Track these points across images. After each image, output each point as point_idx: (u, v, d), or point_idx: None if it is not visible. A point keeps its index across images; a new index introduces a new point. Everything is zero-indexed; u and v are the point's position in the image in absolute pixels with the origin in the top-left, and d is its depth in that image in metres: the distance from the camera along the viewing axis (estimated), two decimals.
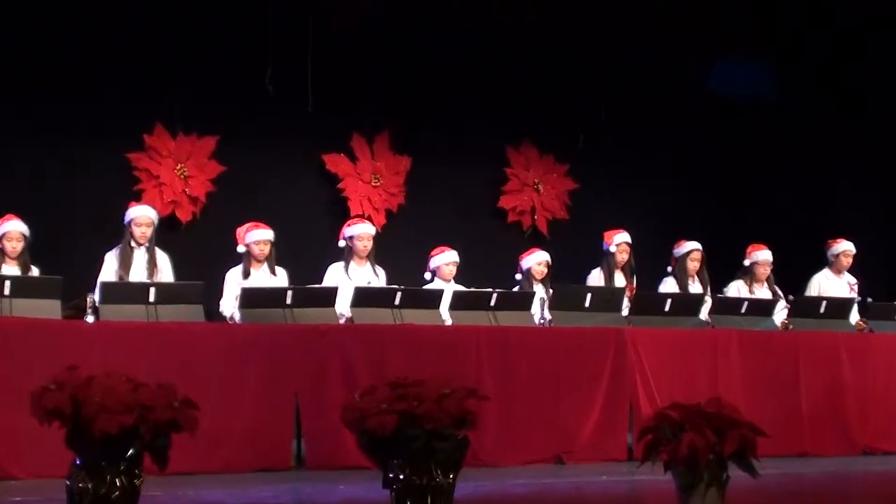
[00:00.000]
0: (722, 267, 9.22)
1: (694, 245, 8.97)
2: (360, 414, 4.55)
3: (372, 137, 10.14)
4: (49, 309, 6.72)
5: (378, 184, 10.08)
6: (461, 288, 8.39)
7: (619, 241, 8.93)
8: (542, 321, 7.86)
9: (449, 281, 8.51)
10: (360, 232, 8.33)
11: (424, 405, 4.48)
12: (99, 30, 9.18)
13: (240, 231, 8.15)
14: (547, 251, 8.92)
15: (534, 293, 8.18)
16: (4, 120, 8.97)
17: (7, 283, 6.72)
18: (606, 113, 10.70)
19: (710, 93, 11.09)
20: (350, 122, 9.99)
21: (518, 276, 8.79)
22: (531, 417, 7.29)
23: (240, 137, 9.55)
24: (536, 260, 8.77)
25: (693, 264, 8.94)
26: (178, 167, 9.47)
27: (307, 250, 9.15)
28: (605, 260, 8.96)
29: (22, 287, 6.79)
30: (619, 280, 8.88)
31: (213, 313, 7.71)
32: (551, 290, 8.35)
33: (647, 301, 8.10)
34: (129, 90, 9.27)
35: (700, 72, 11.05)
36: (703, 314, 8.28)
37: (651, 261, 9.29)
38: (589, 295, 7.91)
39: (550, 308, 7.88)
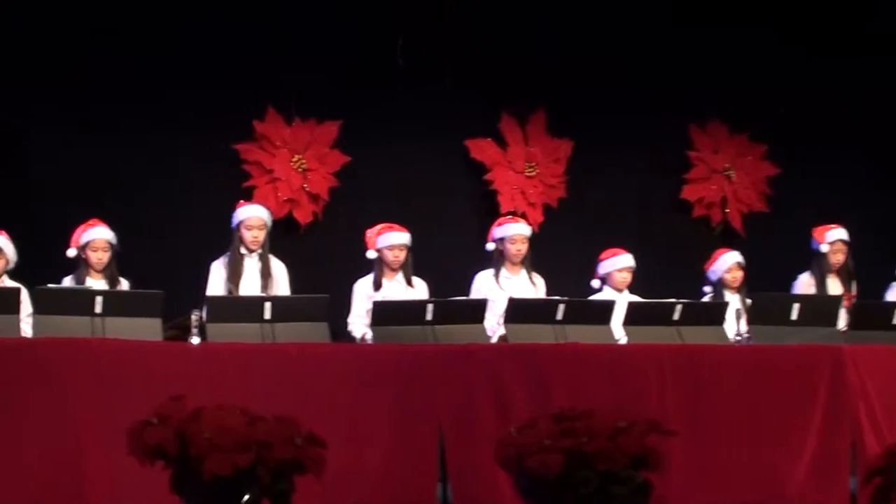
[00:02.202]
0: None
1: None
2: (518, 452, 4.55)
3: (525, 118, 10.14)
4: (148, 329, 6.88)
5: (533, 174, 10.09)
6: (637, 298, 8.33)
7: (832, 238, 8.77)
8: (737, 338, 7.75)
9: (622, 290, 8.46)
10: (513, 233, 8.35)
11: (596, 441, 4.47)
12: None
13: (370, 234, 8.25)
14: (742, 252, 8.80)
15: (727, 304, 8.08)
16: (85, 107, 9.25)
17: (98, 300, 6.90)
18: (815, 79, 10.47)
19: None
20: (498, 101, 10.01)
21: (707, 287, 8.70)
22: (727, 456, 7.18)
23: (367, 122, 9.65)
24: (729, 263, 8.66)
25: None
26: (295, 159, 9.62)
27: (450, 256, 9.20)
28: (815, 262, 8.82)
29: (116, 304, 6.96)
30: (834, 287, 8.72)
31: (339, 332, 7.83)
32: (748, 300, 8.25)
33: (869, 312, 7.92)
34: (235, 68, 9.46)
35: None
36: None
37: (874, 263, 9.08)
38: (796, 305, 7.78)
39: (748, 322, 7.76)
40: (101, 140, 9.29)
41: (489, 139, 10.07)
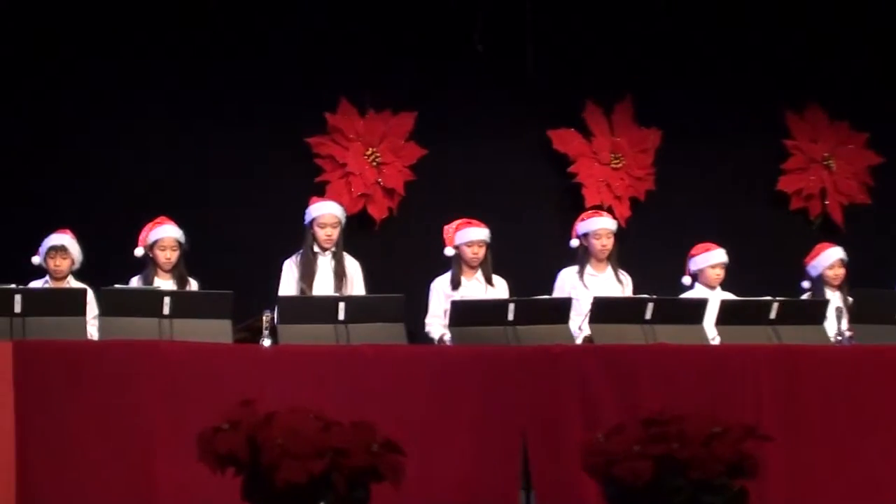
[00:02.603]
0: None
1: None
2: (606, 459, 4.53)
3: (610, 106, 10.12)
4: (217, 331, 6.93)
5: (620, 165, 10.06)
6: (731, 296, 8.27)
7: None
8: (839, 338, 7.67)
9: (715, 287, 8.41)
10: (599, 228, 8.33)
11: (688, 448, 4.44)
12: None
13: (448, 230, 8.26)
14: (843, 247, 8.71)
15: (827, 301, 8.00)
16: (152, 101, 9.37)
17: (167, 301, 6.95)
18: None
19: None
20: (582, 88, 9.99)
21: (805, 283, 8.62)
22: (829, 463, 7.11)
23: (444, 112, 9.70)
24: (832, 259, 8.58)
25: None
26: (369, 152, 9.67)
27: (531, 253, 9.21)
28: None
29: (185, 305, 7.02)
30: None
31: (416, 333, 7.85)
32: (850, 298, 8.18)
33: None
34: (306, 59, 9.52)
35: None
36: None
37: None
38: None
39: (850, 321, 7.68)
40: (168, 135, 9.40)
41: (573, 129, 10.05)
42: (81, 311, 6.99)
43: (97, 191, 9.21)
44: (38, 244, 8.02)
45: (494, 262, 8.25)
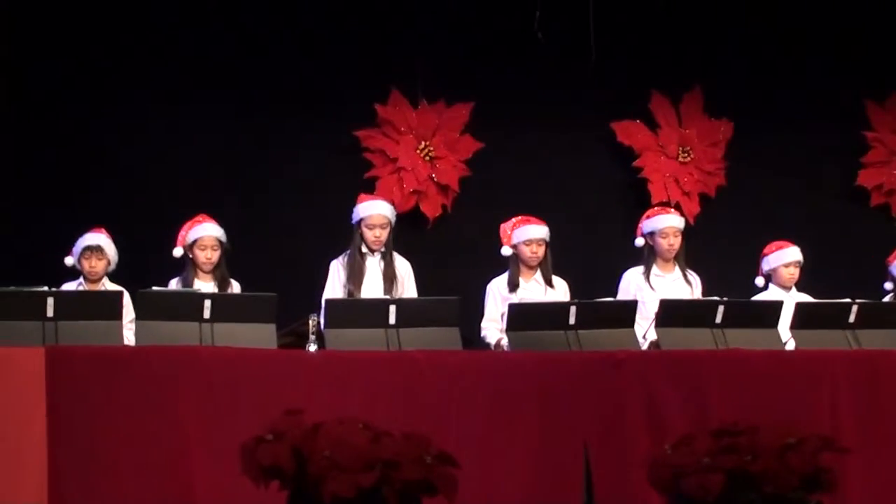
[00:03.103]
0: None
1: None
2: (674, 472, 4.52)
3: (678, 96, 10.09)
4: (261, 336, 6.96)
5: (688, 159, 10.03)
6: (807, 298, 8.23)
7: None
8: None
9: (789, 289, 8.37)
10: (666, 226, 8.30)
11: (762, 460, 4.43)
12: None
13: (505, 228, 8.26)
14: None
15: None
16: (191, 93, 9.41)
17: (207, 304, 6.99)
18: None
19: None
20: (648, 77, 9.96)
21: (888, 284, 8.58)
22: None
23: (501, 103, 9.68)
24: None
25: None
26: (422, 146, 9.69)
27: (594, 252, 9.21)
28: None
29: (226, 308, 7.05)
30: None
31: (471, 338, 7.86)
32: None
33: None
34: (353, 47, 9.54)
35: None
36: None
37: None
38: None
39: None
40: (208, 128, 9.46)
41: (638, 121, 10.03)
42: (117, 315, 7.03)
43: (133, 187, 9.27)
44: (71, 244, 8.06)
45: (554, 262, 8.23)
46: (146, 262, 8.32)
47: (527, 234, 8.17)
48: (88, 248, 7.99)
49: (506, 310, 7.45)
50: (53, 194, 9.15)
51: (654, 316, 7.47)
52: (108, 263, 8.02)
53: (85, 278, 8.00)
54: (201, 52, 9.41)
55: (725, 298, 7.52)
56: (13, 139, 9.23)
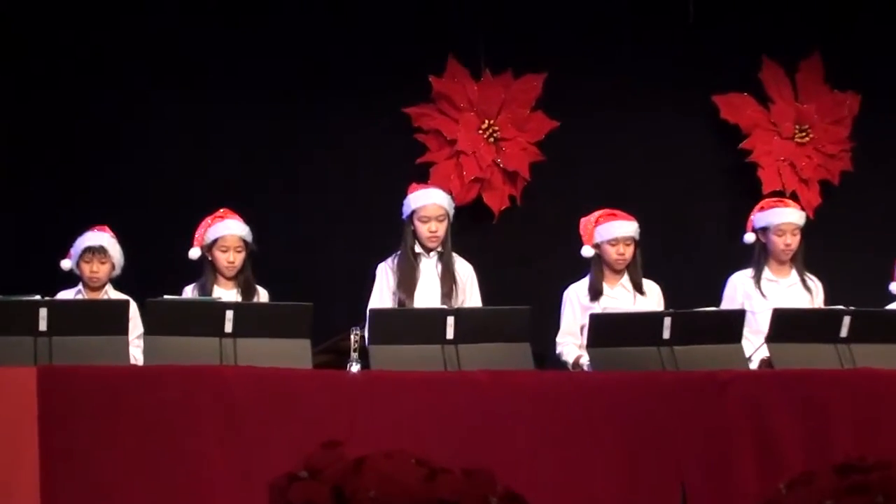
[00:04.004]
0: None
1: None
2: None
3: (794, 64, 10.06)
4: (293, 353, 6.97)
5: (806, 140, 10.02)
6: None
7: None
8: None
9: None
10: (781, 221, 8.26)
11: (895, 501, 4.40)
12: None
13: (586, 224, 8.25)
14: None
15: None
16: (200, 66, 9.47)
17: (229, 315, 6.99)
18: None
19: None
20: (758, 42, 9.94)
21: (894, 285, 8.49)
22: None
23: (580, 74, 9.69)
24: None
25: None
26: (485, 125, 9.72)
27: (693, 252, 9.21)
28: None
29: (252, 320, 7.05)
30: None
31: (545, 355, 7.90)
32: None
33: None
34: (403, 6, 9.57)
35: None
36: None
37: None
38: None
39: None
40: (231, 110, 9.51)
41: (746, 94, 10.02)
42: (123, 329, 7.04)
43: (142, 178, 9.34)
44: (69, 245, 8.09)
45: (645, 263, 8.21)
46: (157, 267, 8.37)
47: (612, 232, 8.16)
48: (90, 250, 8.02)
49: (586, 321, 7.45)
50: (48, 185, 9.23)
51: (765, 329, 7.44)
52: (113, 268, 8.05)
53: (85, 285, 8.03)
54: (222, 18, 9.44)
55: (852, 308, 7.49)
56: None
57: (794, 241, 8.26)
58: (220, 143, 9.44)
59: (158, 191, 9.23)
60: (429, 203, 8.17)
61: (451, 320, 7.16)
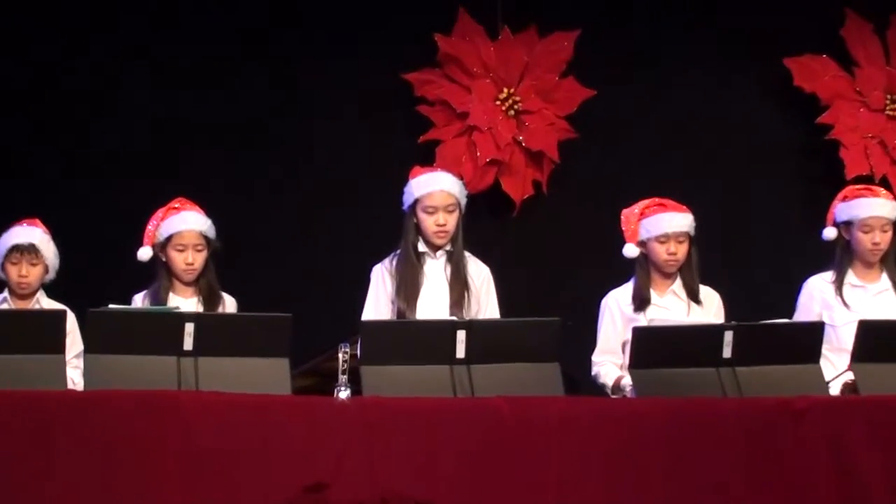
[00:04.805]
0: None
1: None
2: None
3: (885, 19, 10.08)
4: (267, 375, 6.91)
5: None
6: None
7: None
8: None
9: None
10: (869, 214, 8.22)
11: None
12: None
13: (628, 217, 8.21)
14: None
15: None
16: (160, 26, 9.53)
17: (189, 329, 6.92)
18: None
19: None
20: None
21: None
22: None
23: (619, 32, 9.74)
24: None
25: None
26: (504, 95, 9.74)
27: (760, 251, 9.18)
28: None
29: (217, 335, 6.98)
30: None
31: (578, 378, 7.89)
32: None
33: None
34: None
35: None
36: None
37: None
38: None
39: None
40: (193, 78, 9.57)
41: (825, 56, 10.01)
42: (59, 347, 6.97)
43: (77, 162, 9.33)
44: None
45: (702, 266, 8.12)
46: (100, 270, 8.29)
47: (661, 227, 8.10)
48: (17, 249, 8.01)
49: (629, 337, 7.37)
50: None
51: (849, 345, 7.40)
52: (46, 270, 8.03)
53: (11, 292, 8.02)
54: None
55: None
56: None
57: (883, 238, 8.21)
58: (179, 120, 9.46)
59: (100, 176, 9.16)
60: (435, 190, 8.10)
61: (461, 335, 7.08)
